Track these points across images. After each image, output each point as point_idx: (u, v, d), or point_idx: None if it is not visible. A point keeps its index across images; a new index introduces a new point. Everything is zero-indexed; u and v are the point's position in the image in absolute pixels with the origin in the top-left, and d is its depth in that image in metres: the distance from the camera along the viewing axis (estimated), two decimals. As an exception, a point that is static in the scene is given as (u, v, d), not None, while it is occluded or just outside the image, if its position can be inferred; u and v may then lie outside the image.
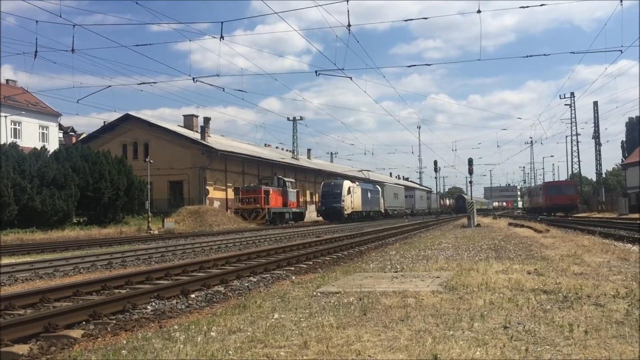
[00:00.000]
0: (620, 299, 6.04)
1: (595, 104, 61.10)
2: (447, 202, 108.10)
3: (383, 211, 59.66)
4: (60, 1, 43.57)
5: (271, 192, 40.67)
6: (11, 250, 17.14)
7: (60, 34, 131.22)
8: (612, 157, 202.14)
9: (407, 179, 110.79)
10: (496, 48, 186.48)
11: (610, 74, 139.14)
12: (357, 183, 52.41)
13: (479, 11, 18.65)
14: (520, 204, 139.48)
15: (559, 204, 53.25)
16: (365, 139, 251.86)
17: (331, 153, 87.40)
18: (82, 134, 58.11)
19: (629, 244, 14.54)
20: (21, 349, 5.11)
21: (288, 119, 65.06)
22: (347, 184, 48.31)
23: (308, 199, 62.01)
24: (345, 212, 46.29)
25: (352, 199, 47.95)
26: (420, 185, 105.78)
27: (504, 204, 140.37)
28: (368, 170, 65.75)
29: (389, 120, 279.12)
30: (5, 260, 13.60)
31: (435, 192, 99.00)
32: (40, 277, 10.97)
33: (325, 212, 47.58)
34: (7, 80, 49.90)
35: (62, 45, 36.02)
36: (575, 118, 64.06)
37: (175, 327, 5.47)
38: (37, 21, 26.77)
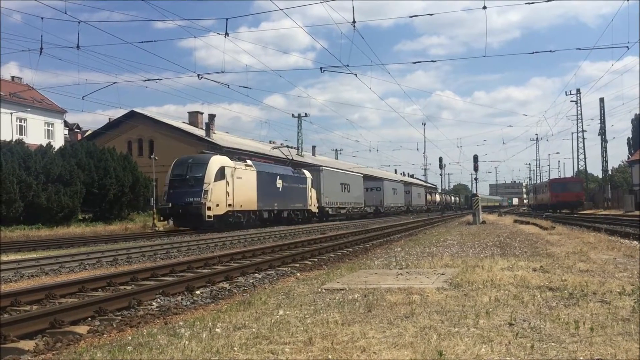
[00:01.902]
0: (626, 296, 6.02)
1: (602, 100, 61.12)
2: (438, 198, 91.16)
3: (316, 210, 39.39)
4: (65, -2, 43.53)
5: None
6: (17, 247, 17.22)
7: (66, 31, 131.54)
8: (618, 154, 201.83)
9: (412, 176, 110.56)
10: (501, 45, 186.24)
11: (616, 71, 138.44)
12: (250, 162, 31.42)
13: (484, 7, 18.50)
14: (515, 201, 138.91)
15: (564, 201, 53.17)
16: (370, 135, 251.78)
17: (336, 150, 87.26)
18: (87, 130, 58.28)
19: (635, 241, 14.47)
20: (27, 345, 5.14)
21: (293, 115, 65.20)
22: (218, 161, 27.51)
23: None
24: (209, 213, 25.65)
25: (230, 188, 27.42)
26: (421, 180, 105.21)
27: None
28: (290, 147, 42.51)
29: (394, 117, 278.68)
30: (12, 257, 13.67)
31: (420, 184, 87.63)
32: (46, 273, 11.02)
33: (172, 212, 26.24)
34: (13, 77, 50.08)
35: (67, 42, 36.25)
36: (581, 115, 64.06)
37: (181, 323, 5.48)
38: (42, 18, 26.85)
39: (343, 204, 46.14)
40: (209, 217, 25.78)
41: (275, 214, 32.99)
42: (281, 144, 42.50)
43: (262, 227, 29.79)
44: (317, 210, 39.66)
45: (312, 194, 38.52)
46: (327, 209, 42.20)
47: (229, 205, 27.44)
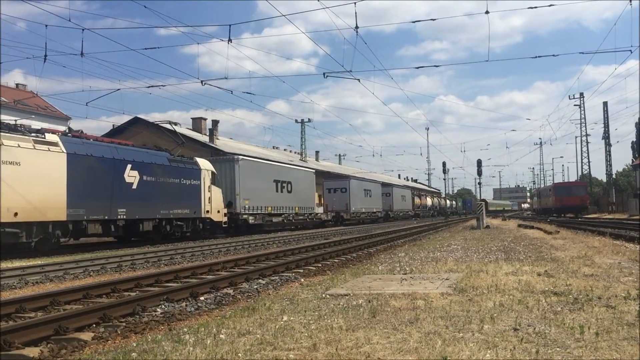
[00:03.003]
0: (631, 300, 6.00)
1: (605, 104, 60.98)
2: (429, 201, 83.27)
3: (222, 218, 26.43)
4: (69, 2, 43.84)
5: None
6: (22, 254, 17.23)
7: (70, 38, 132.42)
8: (623, 158, 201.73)
9: (415, 181, 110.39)
10: (503, 49, 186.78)
11: (619, 75, 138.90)
12: (57, 137, 17.88)
13: (487, 12, 18.52)
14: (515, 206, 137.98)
15: (568, 205, 53.04)
16: (374, 140, 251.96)
17: (339, 155, 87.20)
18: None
19: (640, 245, 14.41)
20: (32, 351, 5.15)
21: (296, 121, 65.22)
22: None
23: (317, 200, 58.82)
24: None
25: None
26: (424, 184, 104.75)
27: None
28: (175, 124, 30.51)
29: (397, 122, 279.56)
30: (16, 264, 13.70)
31: (406, 186, 76.59)
32: (50, 280, 11.04)
33: None
34: (17, 85, 50.38)
35: (71, 49, 36.37)
36: (584, 119, 63.90)
37: (185, 329, 5.48)
38: (46, 25, 27.05)
39: (278, 209, 32.96)
40: None
41: (123, 226, 20.35)
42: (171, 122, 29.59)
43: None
44: (223, 219, 26.55)
45: (212, 194, 25.74)
46: (246, 216, 29.03)
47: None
